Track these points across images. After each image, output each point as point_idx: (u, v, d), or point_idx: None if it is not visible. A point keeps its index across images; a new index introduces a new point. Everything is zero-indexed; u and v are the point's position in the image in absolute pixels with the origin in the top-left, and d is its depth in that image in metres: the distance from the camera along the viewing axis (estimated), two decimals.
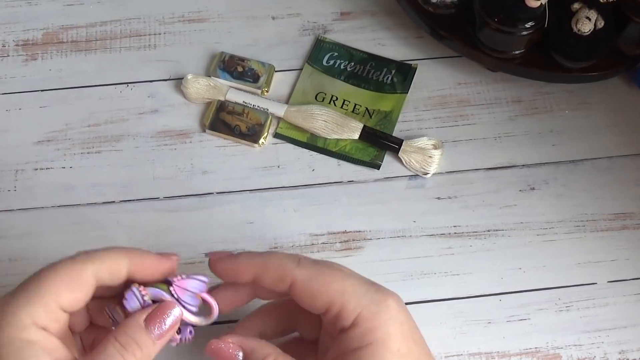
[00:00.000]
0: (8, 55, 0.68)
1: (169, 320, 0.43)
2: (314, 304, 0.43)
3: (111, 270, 0.43)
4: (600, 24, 0.62)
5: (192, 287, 0.45)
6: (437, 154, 0.63)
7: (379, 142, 0.63)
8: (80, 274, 0.42)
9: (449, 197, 0.62)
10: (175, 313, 0.43)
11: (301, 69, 0.68)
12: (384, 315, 0.41)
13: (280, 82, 0.67)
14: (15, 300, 0.41)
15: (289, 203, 0.61)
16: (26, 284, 0.42)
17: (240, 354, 0.43)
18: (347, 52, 0.68)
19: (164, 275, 0.45)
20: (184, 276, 0.45)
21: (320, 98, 0.66)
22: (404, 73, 0.67)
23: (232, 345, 0.43)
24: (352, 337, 0.41)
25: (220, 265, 0.46)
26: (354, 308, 0.41)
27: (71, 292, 0.42)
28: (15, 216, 0.61)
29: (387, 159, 0.63)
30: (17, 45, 0.69)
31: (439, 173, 0.63)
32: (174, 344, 0.46)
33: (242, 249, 0.59)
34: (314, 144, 0.64)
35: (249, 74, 0.66)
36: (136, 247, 0.46)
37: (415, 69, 0.68)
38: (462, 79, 0.68)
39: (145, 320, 0.43)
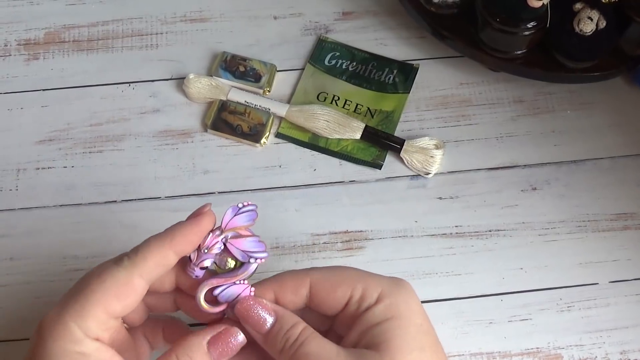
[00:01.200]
0: (10, 55, 0.68)
1: (233, 347, 0.43)
2: (335, 294, 0.43)
3: (158, 265, 0.42)
4: (602, 24, 0.62)
5: (245, 247, 0.44)
6: (438, 154, 0.62)
7: (381, 142, 0.63)
8: (128, 282, 0.41)
9: (451, 197, 0.62)
10: (240, 339, 0.43)
11: (303, 69, 0.68)
12: (404, 294, 0.42)
13: (282, 82, 0.67)
14: (65, 312, 0.40)
15: (290, 203, 0.61)
16: (74, 294, 0.41)
17: (272, 319, 0.43)
18: (349, 52, 0.68)
19: (207, 231, 0.44)
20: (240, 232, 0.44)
21: (322, 98, 0.66)
22: (406, 73, 0.67)
23: (265, 307, 0.43)
24: (376, 311, 0.41)
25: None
26: (376, 287, 0.42)
27: (120, 301, 0.41)
28: (17, 215, 0.61)
29: (389, 158, 0.63)
30: (19, 44, 0.69)
31: (440, 173, 0.63)
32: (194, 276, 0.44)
33: None
34: (315, 143, 0.64)
35: (251, 73, 0.66)
36: (170, 227, 0.43)
37: (417, 69, 0.68)
38: (464, 79, 0.67)
39: (209, 343, 0.43)
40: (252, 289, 0.44)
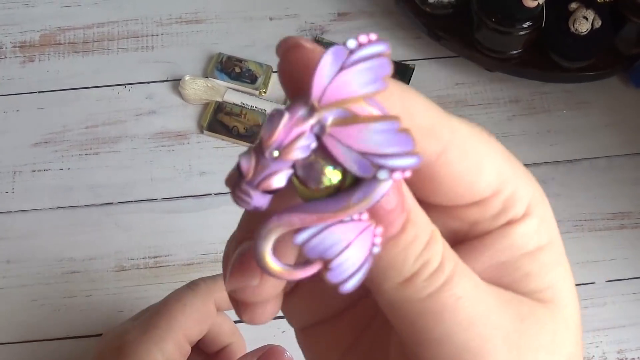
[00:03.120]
0: (5, 57, 0.68)
1: None
2: (476, 180, 0.23)
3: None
4: (598, 23, 0.62)
5: (367, 143, 0.19)
6: None
7: None
8: (206, 307, 0.43)
9: None
10: (287, 355, 0.43)
11: None
12: (549, 206, 0.27)
13: (278, 83, 0.66)
14: (148, 337, 0.42)
15: None
16: (156, 320, 0.43)
17: (402, 217, 0.21)
18: None
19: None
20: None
21: None
22: (402, 73, 0.67)
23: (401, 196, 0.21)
24: (527, 231, 0.25)
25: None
26: (526, 190, 0.25)
27: (199, 325, 0.43)
28: (13, 218, 0.61)
29: None
30: (14, 46, 0.69)
31: None
32: None
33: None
34: None
35: (247, 74, 0.66)
36: None
37: (413, 69, 0.68)
38: (460, 79, 0.67)
39: None
40: (378, 232, 0.20)
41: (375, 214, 0.20)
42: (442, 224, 0.23)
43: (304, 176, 0.19)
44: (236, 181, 0.19)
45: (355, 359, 0.26)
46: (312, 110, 0.19)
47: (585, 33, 0.62)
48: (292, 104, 0.19)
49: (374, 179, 0.19)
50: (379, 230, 0.20)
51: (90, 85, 0.67)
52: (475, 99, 0.66)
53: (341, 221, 0.19)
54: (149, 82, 0.67)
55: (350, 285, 0.20)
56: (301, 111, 0.19)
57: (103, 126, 0.65)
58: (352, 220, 0.19)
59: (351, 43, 0.19)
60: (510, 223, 0.24)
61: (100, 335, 0.48)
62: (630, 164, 0.63)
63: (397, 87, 0.21)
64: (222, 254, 0.58)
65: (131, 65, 0.68)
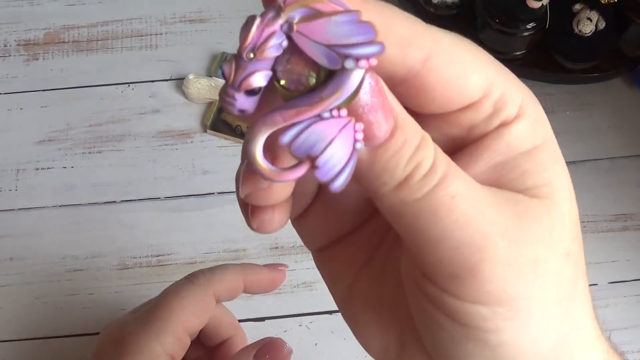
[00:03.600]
0: (10, 55, 0.68)
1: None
2: (465, 84, 0.24)
3: (229, 290, 0.44)
4: (602, 25, 0.62)
5: (331, 36, 0.20)
6: None
7: None
8: (204, 299, 0.43)
9: None
10: (287, 348, 0.43)
11: None
12: (541, 107, 0.27)
13: None
14: (147, 330, 0.42)
15: None
16: (155, 313, 0.43)
17: (389, 124, 0.22)
18: None
19: (277, 286, 0.46)
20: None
21: None
22: None
23: (384, 104, 0.22)
24: (521, 131, 0.25)
25: None
26: (516, 92, 0.26)
27: (198, 318, 0.43)
28: (16, 216, 0.61)
29: None
30: (18, 45, 0.69)
31: None
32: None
33: (242, 249, 0.59)
34: None
35: None
36: (248, 264, 0.46)
37: None
38: None
39: (256, 357, 0.43)
40: (358, 128, 0.21)
41: (353, 112, 0.20)
42: (440, 132, 0.24)
43: (284, 78, 0.21)
44: (222, 88, 0.21)
45: (369, 276, 0.27)
46: (279, 11, 0.20)
47: (589, 34, 0.62)
48: (264, 10, 0.21)
49: (345, 71, 0.20)
50: (359, 126, 0.21)
51: (94, 84, 0.67)
52: None
53: (321, 118, 0.20)
54: (152, 81, 0.67)
55: (339, 183, 0.21)
56: (270, 14, 0.21)
57: (107, 125, 0.65)
58: (331, 117, 0.20)
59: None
60: (503, 125, 0.25)
61: None
62: (633, 165, 0.63)
63: (374, 2, 0.22)
64: (224, 253, 0.59)
65: (135, 64, 0.68)
